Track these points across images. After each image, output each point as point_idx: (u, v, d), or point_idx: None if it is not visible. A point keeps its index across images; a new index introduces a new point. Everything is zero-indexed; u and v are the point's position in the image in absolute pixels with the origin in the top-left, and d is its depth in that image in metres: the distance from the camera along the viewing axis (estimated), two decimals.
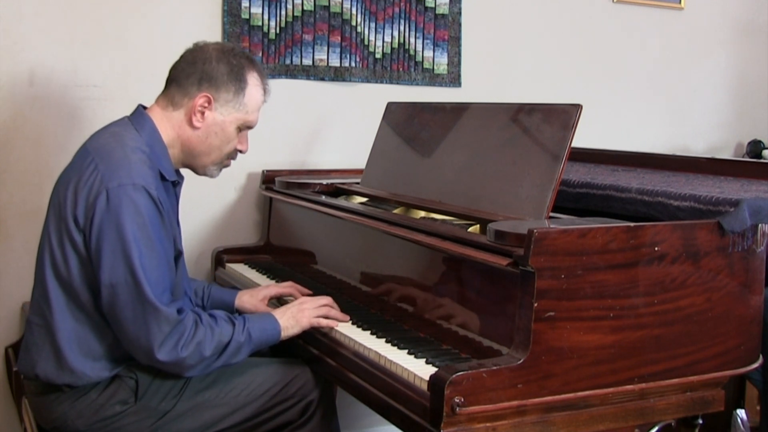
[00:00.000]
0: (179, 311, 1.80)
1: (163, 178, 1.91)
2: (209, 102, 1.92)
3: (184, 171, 2.06)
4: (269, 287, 2.25)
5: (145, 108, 1.97)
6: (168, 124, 1.94)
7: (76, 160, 1.89)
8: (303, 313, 1.97)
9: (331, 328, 1.95)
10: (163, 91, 1.98)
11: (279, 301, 2.22)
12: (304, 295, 2.20)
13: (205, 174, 2.03)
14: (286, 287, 2.23)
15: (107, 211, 1.76)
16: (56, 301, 1.82)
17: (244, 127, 2.00)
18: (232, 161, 2.05)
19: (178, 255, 1.95)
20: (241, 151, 2.04)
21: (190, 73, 1.93)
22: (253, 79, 1.97)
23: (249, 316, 1.93)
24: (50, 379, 1.84)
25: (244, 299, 2.20)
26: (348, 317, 2.00)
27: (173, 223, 1.95)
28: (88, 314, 1.82)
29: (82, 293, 1.81)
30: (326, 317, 1.98)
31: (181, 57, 1.97)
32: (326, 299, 2.03)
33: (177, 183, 2.01)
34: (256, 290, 2.24)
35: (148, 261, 1.76)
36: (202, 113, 1.92)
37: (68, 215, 1.80)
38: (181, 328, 1.78)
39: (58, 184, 1.90)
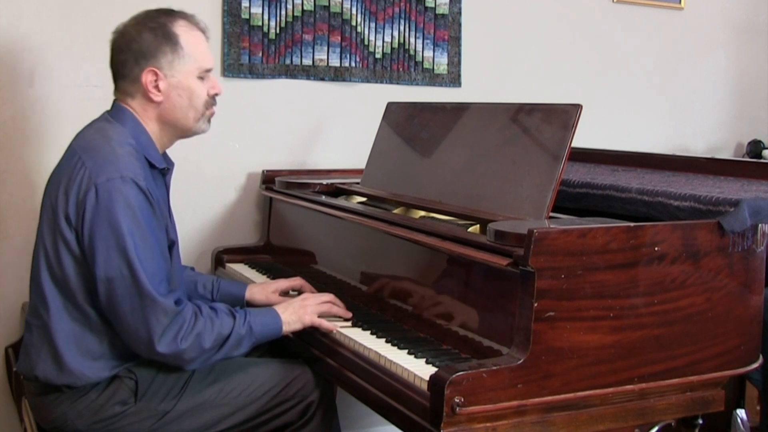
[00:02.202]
0: (178, 302, 1.80)
1: (152, 166, 1.91)
2: (156, 74, 1.90)
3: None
4: (279, 281, 2.25)
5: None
6: (137, 112, 1.93)
7: (64, 160, 1.89)
8: (305, 309, 1.97)
9: (332, 331, 1.95)
10: (115, 90, 1.97)
11: (288, 295, 2.23)
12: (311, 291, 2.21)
13: (197, 132, 2.00)
14: (296, 281, 2.24)
15: (97, 206, 1.76)
16: (53, 302, 1.83)
17: (203, 73, 1.96)
18: (215, 109, 2.01)
19: (172, 244, 1.95)
20: (216, 94, 2.00)
21: (125, 60, 1.91)
22: (181, 28, 1.92)
23: (250, 309, 1.93)
24: (49, 380, 1.84)
25: (255, 291, 2.21)
26: (350, 313, 2.00)
27: (164, 213, 1.95)
28: (85, 314, 1.83)
29: (78, 293, 1.81)
30: (329, 313, 1.99)
31: (111, 50, 1.94)
32: (329, 296, 2.03)
33: (166, 171, 2.00)
34: (267, 284, 2.24)
35: (143, 252, 1.76)
36: (157, 87, 1.90)
37: (60, 215, 1.80)
38: (180, 319, 1.78)
39: (48, 186, 1.90)
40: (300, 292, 2.20)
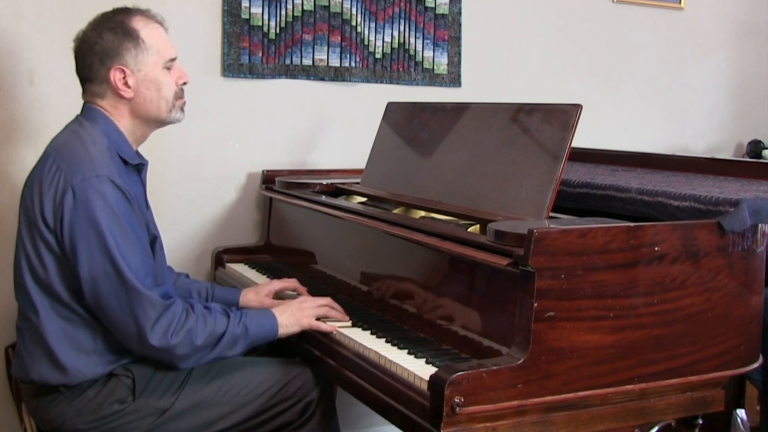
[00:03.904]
0: (166, 297, 1.80)
1: (126, 163, 1.92)
2: (123, 71, 1.91)
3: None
4: (272, 283, 2.25)
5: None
6: (108, 112, 1.94)
7: (39, 164, 1.90)
8: (303, 312, 1.97)
9: (331, 332, 1.95)
10: (84, 94, 1.98)
11: (283, 298, 2.23)
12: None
13: (172, 122, 2.01)
14: (290, 282, 2.24)
15: (75, 207, 1.77)
16: (40, 304, 1.83)
17: (168, 63, 1.97)
18: (185, 98, 2.02)
19: (154, 239, 1.96)
20: (184, 83, 2.01)
21: (90, 63, 1.92)
22: (139, 23, 1.94)
23: (246, 310, 1.93)
24: (45, 381, 1.84)
25: (249, 296, 2.21)
26: (348, 317, 2.00)
27: (143, 209, 1.96)
28: (74, 311, 1.83)
29: (62, 293, 1.82)
30: (326, 316, 1.98)
31: (75, 57, 1.96)
32: (327, 299, 2.03)
33: (141, 167, 2.01)
34: (260, 287, 2.24)
35: (125, 248, 1.77)
36: (126, 83, 1.91)
37: (37, 218, 1.81)
38: (169, 314, 1.78)
39: (24, 190, 1.91)
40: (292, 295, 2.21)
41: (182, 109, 2.02)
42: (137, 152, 2.01)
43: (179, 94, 2.00)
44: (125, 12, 1.96)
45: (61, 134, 1.95)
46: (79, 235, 1.77)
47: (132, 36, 1.91)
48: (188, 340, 1.79)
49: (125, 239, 1.78)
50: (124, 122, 1.95)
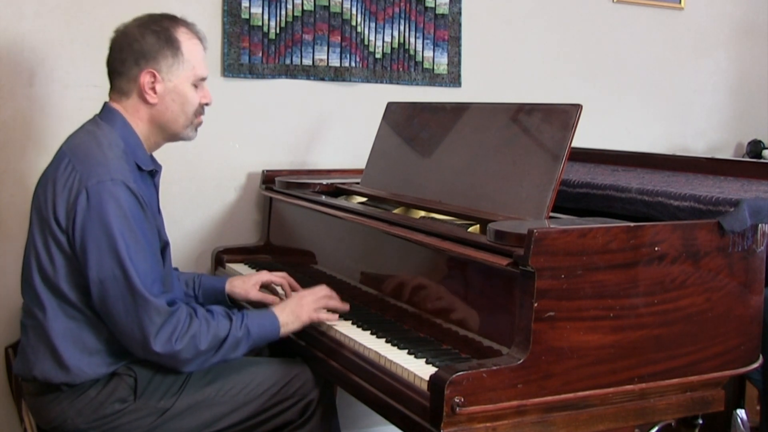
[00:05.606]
0: (172, 303, 1.80)
1: (140, 168, 1.92)
2: (154, 76, 1.91)
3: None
4: (261, 273, 2.25)
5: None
6: (128, 113, 1.94)
7: (53, 162, 1.90)
8: (302, 308, 1.97)
9: (330, 327, 1.96)
10: (111, 87, 1.98)
11: (269, 289, 2.23)
12: (294, 289, 2.20)
13: (184, 138, 2.02)
14: (279, 277, 2.23)
15: (88, 209, 1.77)
16: (47, 301, 1.83)
17: (198, 81, 1.98)
18: (202, 117, 2.03)
19: (165, 246, 1.96)
20: (207, 104, 2.02)
21: (125, 59, 1.92)
22: (183, 35, 1.95)
23: (247, 312, 1.93)
24: (48, 379, 1.84)
25: (235, 284, 2.20)
26: (348, 305, 2.01)
27: (155, 215, 1.96)
28: (80, 311, 1.83)
29: (69, 293, 1.82)
30: (326, 308, 1.99)
31: (110, 48, 1.96)
32: (324, 290, 2.03)
33: (155, 172, 2.01)
34: (248, 276, 2.24)
35: (135, 253, 1.77)
36: (153, 89, 1.92)
37: (50, 217, 1.81)
38: (174, 320, 1.78)
39: (37, 188, 1.91)
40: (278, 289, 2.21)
41: (196, 129, 2.03)
42: (151, 157, 2.01)
43: (199, 111, 2.01)
44: (172, 19, 1.97)
45: (77, 134, 1.94)
46: (90, 237, 1.77)
47: (173, 45, 1.93)
48: (192, 345, 1.79)
49: (136, 244, 1.78)
50: (141, 126, 1.95)
